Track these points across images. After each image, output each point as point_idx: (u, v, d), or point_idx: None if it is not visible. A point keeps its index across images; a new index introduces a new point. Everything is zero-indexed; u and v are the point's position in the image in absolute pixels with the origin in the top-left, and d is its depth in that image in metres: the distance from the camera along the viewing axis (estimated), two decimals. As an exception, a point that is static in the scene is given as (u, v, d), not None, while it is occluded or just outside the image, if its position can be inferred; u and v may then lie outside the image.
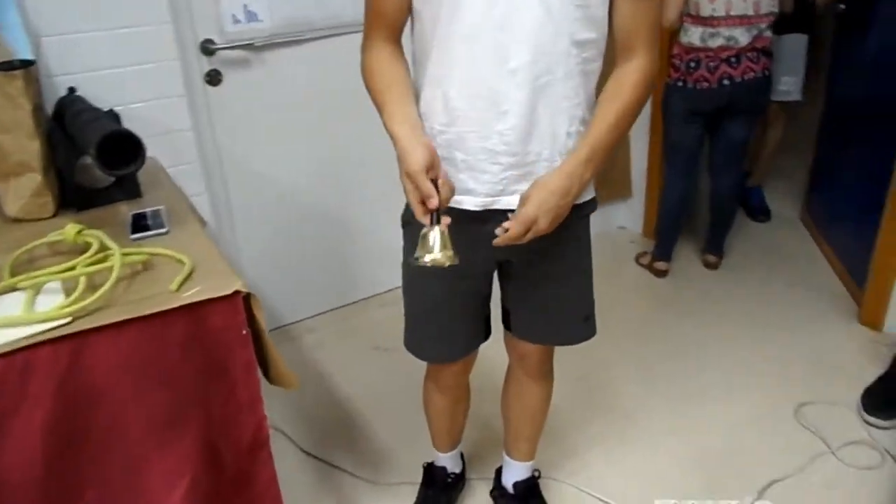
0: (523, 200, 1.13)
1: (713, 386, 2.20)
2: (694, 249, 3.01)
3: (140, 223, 1.35)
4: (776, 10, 2.32)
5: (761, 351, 2.36)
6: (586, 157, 1.15)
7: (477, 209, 1.22)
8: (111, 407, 1.07)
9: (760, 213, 3.29)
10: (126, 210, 1.43)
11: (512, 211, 1.16)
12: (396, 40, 1.24)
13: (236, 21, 2.11)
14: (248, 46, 2.15)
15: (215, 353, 1.14)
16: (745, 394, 2.15)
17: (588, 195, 1.27)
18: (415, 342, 1.46)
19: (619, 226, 3.25)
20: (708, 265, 2.89)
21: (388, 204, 2.67)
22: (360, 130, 2.48)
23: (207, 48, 2.08)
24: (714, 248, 2.88)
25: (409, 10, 1.20)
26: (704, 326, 2.51)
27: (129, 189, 1.51)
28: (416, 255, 1.10)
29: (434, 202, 1.07)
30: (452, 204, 1.21)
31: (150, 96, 1.96)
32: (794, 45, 2.85)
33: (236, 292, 1.12)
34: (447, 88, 1.16)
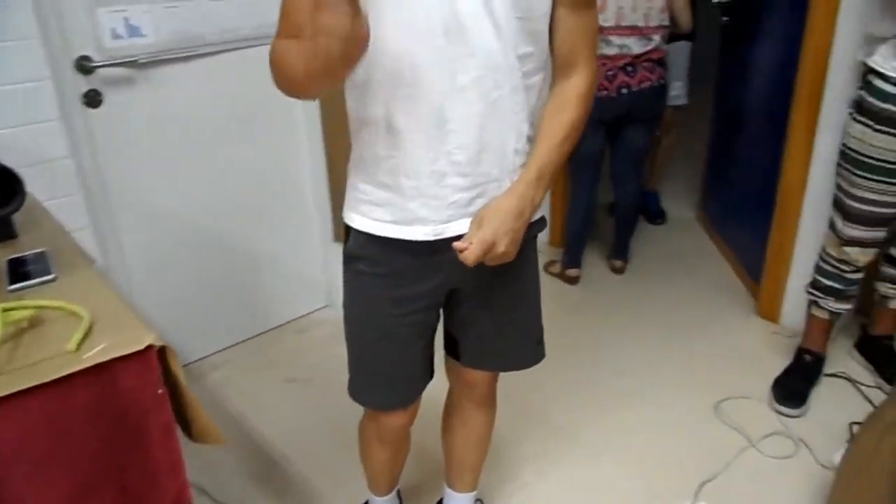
0: (478, 223, 1.07)
1: (634, 390, 2.23)
2: (600, 256, 3.07)
3: (19, 270, 1.17)
4: (667, 23, 2.40)
5: (672, 351, 2.42)
6: (536, 177, 1.10)
7: (429, 238, 1.14)
8: (6, 492, 0.90)
9: (657, 216, 3.42)
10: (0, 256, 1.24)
11: (460, 238, 1.09)
12: None
13: (116, 36, 1.92)
14: (131, 64, 1.96)
15: (128, 418, 0.99)
16: (665, 395, 2.20)
17: (538, 214, 1.22)
18: (361, 387, 1.34)
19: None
20: (615, 270, 2.96)
21: (293, 225, 2.59)
22: (259, 151, 2.36)
23: (84, 66, 1.88)
24: (620, 253, 2.95)
25: None
26: (618, 331, 2.55)
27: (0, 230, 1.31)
28: None
29: None
30: (402, 235, 1.14)
31: (18, 121, 1.75)
32: (679, 52, 2.98)
33: (148, 347, 0.98)
34: (390, 110, 1.07)
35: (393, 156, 1.11)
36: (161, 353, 1.01)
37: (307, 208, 2.55)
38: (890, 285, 2.15)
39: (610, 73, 2.41)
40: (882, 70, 1.79)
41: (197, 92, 2.14)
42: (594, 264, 3.01)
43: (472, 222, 1.09)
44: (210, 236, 2.32)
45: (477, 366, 1.40)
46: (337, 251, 2.53)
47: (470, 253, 1.05)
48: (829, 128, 2.19)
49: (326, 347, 2.47)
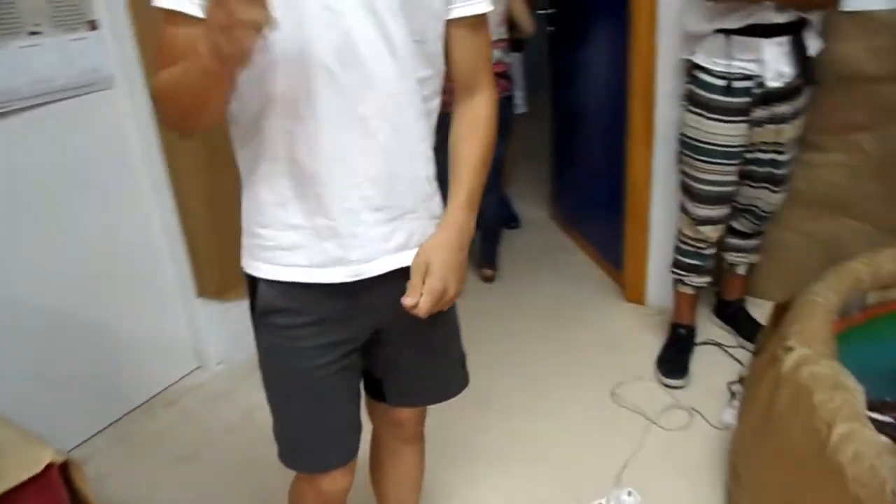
0: (421, 269, 1.02)
1: (530, 395, 2.26)
2: (469, 267, 3.10)
3: None
4: (505, 36, 2.49)
5: (558, 349, 2.50)
6: (468, 204, 1.08)
7: (348, 280, 1.06)
8: None
9: (511, 220, 3.53)
10: None
11: (386, 276, 1.06)
12: None
13: None
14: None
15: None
16: (561, 393, 2.26)
17: None
18: (295, 451, 1.21)
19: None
20: (486, 279, 3.01)
21: (149, 286, 2.34)
22: (97, 210, 2.11)
23: None
24: (488, 261, 3.01)
25: None
26: (501, 339, 2.59)
27: None
28: None
29: None
30: (321, 279, 1.06)
31: None
32: (514, 64, 3.10)
33: (48, 466, 0.82)
34: (290, 146, 0.99)
35: (299, 195, 1.03)
36: (64, 470, 0.86)
37: (163, 265, 2.33)
38: (735, 254, 2.38)
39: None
40: (705, 65, 1.97)
41: (18, 151, 1.87)
42: (467, 276, 3.04)
43: (414, 268, 1.04)
44: (54, 314, 2.03)
45: (407, 403, 1.33)
46: (202, 306, 2.37)
47: (423, 306, 1.01)
48: (664, 121, 2.39)
49: (205, 414, 2.26)
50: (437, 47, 1.06)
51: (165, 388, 2.38)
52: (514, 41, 2.80)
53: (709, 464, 1.89)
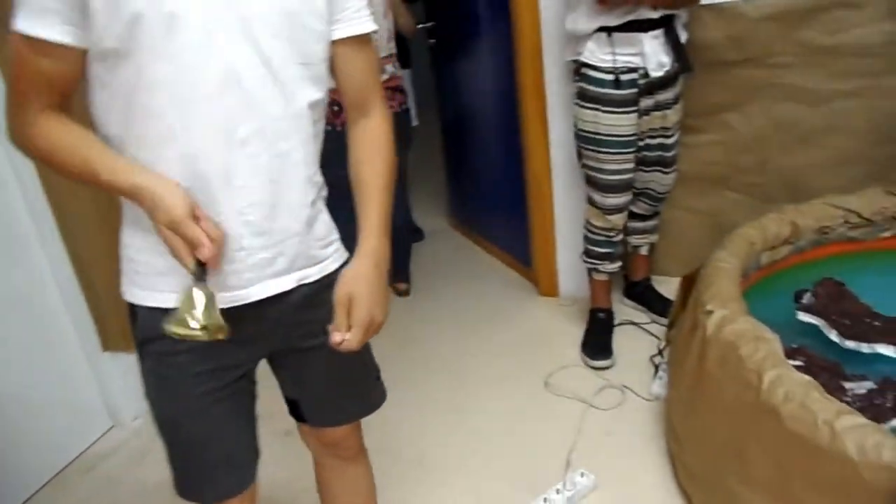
0: (345, 303, 1.02)
1: (467, 399, 2.28)
2: (381, 283, 3.09)
3: None
4: (395, 51, 2.52)
5: (484, 351, 2.54)
6: (380, 229, 1.10)
7: (226, 306, 1.02)
8: None
9: (415, 233, 3.56)
10: None
11: (273, 300, 1.06)
12: (63, 109, 0.97)
13: None
14: None
15: None
16: (496, 391, 2.30)
17: (338, 264, 1.18)
18: (191, 481, 1.17)
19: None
20: (400, 293, 3.01)
21: (47, 346, 2.14)
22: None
23: None
24: (401, 275, 3.01)
25: (80, 75, 0.95)
26: (426, 350, 2.60)
27: None
28: (172, 322, 0.91)
29: (206, 251, 0.91)
30: None
31: None
32: (403, 79, 3.15)
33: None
34: (168, 173, 0.95)
35: None
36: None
37: (60, 321, 2.14)
38: (637, 236, 2.53)
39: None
40: (593, 62, 2.10)
41: None
42: (379, 294, 3.03)
43: (337, 304, 1.03)
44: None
45: (328, 423, 1.30)
46: (110, 360, 2.20)
47: (353, 340, 1.02)
48: (557, 119, 2.51)
49: (127, 476, 2.11)
50: (324, 70, 1.07)
51: (79, 455, 2.19)
52: (402, 58, 2.84)
53: (648, 434, 1.99)
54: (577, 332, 2.51)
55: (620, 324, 2.51)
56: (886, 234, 2.18)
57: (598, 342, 2.39)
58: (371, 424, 2.19)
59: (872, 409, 1.53)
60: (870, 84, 2.30)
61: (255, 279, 1.05)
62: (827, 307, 1.92)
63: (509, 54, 2.56)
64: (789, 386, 1.42)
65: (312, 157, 1.09)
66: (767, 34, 2.29)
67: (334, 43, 1.07)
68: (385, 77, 2.49)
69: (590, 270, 2.43)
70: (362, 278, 1.05)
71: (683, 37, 2.14)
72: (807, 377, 1.44)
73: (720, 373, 1.61)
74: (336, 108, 2.45)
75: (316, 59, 1.04)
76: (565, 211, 2.65)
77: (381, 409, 2.27)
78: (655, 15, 2.01)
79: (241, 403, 1.18)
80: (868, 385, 1.62)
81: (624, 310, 2.62)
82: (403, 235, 2.96)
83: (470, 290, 2.99)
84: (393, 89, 2.54)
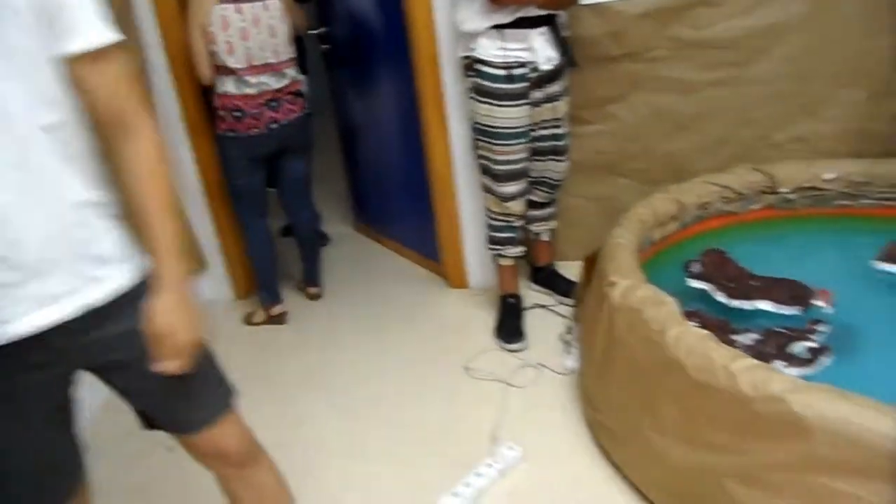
0: (156, 335, 1.08)
1: (392, 393, 2.33)
2: (292, 290, 3.08)
3: None
4: (294, 55, 2.53)
5: (403, 346, 2.59)
6: (171, 253, 1.10)
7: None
8: None
9: (321, 237, 3.56)
10: None
11: (61, 327, 1.06)
12: None
13: None
14: None
15: None
16: (420, 380, 2.36)
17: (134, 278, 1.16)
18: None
19: (208, 300, 3.08)
20: (312, 297, 3.01)
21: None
22: None
23: None
24: (313, 279, 3.01)
25: None
26: (346, 351, 2.62)
27: None
28: None
29: None
30: None
31: None
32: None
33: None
34: None
35: None
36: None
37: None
38: (538, 224, 2.68)
39: (255, 111, 2.45)
40: (486, 58, 2.21)
41: None
42: (289, 301, 3.00)
43: (149, 337, 1.08)
44: None
45: (189, 427, 1.26)
46: None
47: (173, 368, 1.08)
48: (456, 116, 2.61)
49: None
50: (55, 90, 1.00)
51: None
52: (300, 64, 2.85)
53: (566, 404, 2.12)
54: (490, 319, 2.61)
55: (529, 307, 2.64)
56: (756, 207, 2.44)
57: (510, 326, 2.50)
58: (299, 421, 2.21)
59: (758, 356, 1.71)
60: (734, 74, 2.56)
61: (19, 313, 1.02)
62: (713, 273, 2.12)
63: (405, 55, 2.64)
64: (690, 340, 1.57)
65: (78, 177, 1.04)
66: (643, 30, 2.50)
67: (67, 61, 0.99)
68: (286, 82, 2.50)
69: (495, 257, 2.54)
70: (168, 310, 1.08)
71: (566, 34, 2.30)
72: (704, 331, 1.60)
73: (629, 336, 1.76)
74: (238, 113, 2.44)
75: (43, 80, 0.98)
76: (469, 205, 2.76)
77: (309, 408, 2.30)
78: (542, 12, 2.15)
79: (61, 416, 1.19)
80: (753, 336, 1.82)
81: (532, 294, 2.75)
82: (312, 239, 2.96)
83: (381, 290, 3.04)
84: (294, 94, 2.55)
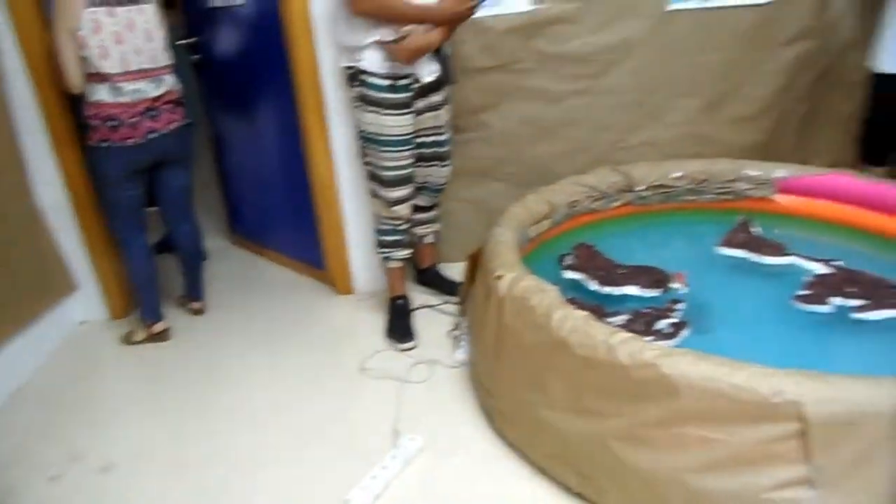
0: None
1: (291, 396, 2.35)
2: (173, 306, 2.98)
3: None
4: (173, 61, 2.48)
5: (294, 352, 2.61)
6: None
7: None
8: None
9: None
10: None
11: None
12: None
13: None
14: None
15: None
16: (316, 385, 2.39)
17: None
18: None
19: (81, 322, 2.92)
20: (196, 312, 2.94)
21: None
22: None
23: None
24: (196, 294, 2.93)
25: None
26: (235, 361, 2.59)
27: None
28: None
29: None
30: None
31: None
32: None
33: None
34: None
35: None
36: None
37: None
38: (423, 227, 2.80)
39: (133, 119, 2.37)
40: (371, 70, 2.30)
41: None
42: (173, 317, 2.91)
43: None
44: None
45: None
46: None
47: None
48: (337, 124, 2.68)
49: None
50: None
51: None
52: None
53: (461, 394, 2.24)
54: (379, 321, 2.69)
55: (417, 308, 2.75)
56: (617, 204, 2.71)
57: (401, 326, 2.60)
58: (200, 438, 2.19)
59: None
60: (590, 85, 2.82)
61: None
62: (584, 265, 2.34)
63: (282, 64, 2.67)
64: (573, 321, 1.74)
65: None
66: (511, 44, 2.70)
67: None
68: (164, 89, 2.45)
69: (384, 260, 2.63)
70: None
71: (448, 50, 2.44)
72: (584, 312, 1.79)
73: (517, 323, 1.91)
74: (113, 123, 2.35)
75: None
76: (353, 211, 2.83)
77: (208, 425, 2.27)
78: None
79: None
80: (624, 317, 2.03)
81: (418, 295, 2.86)
82: (193, 252, 2.89)
83: (267, 301, 3.03)
84: (174, 102, 2.50)
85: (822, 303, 2.05)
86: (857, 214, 2.48)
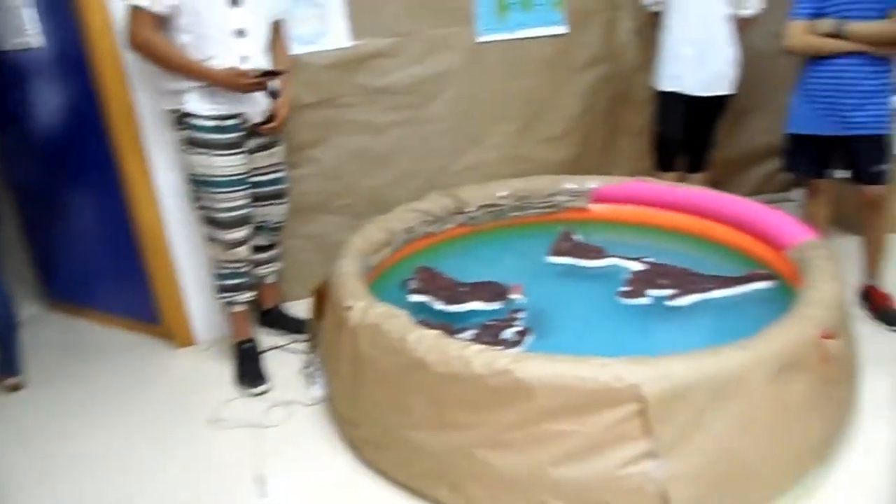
0: None
1: (134, 468, 2.17)
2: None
3: None
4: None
5: (136, 416, 2.42)
6: None
7: None
8: None
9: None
10: None
11: None
12: None
13: None
14: None
15: None
16: (167, 444, 2.23)
17: None
18: None
19: None
20: (14, 389, 2.62)
21: None
22: None
23: None
24: (11, 368, 2.62)
25: None
26: (66, 439, 2.34)
27: None
28: None
29: None
30: None
31: None
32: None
33: None
34: None
35: None
36: None
37: None
38: (263, 267, 2.73)
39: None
40: (196, 112, 2.23)
41: None
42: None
43: None
44: None
45: None
46: None
47: None
48: (162, 167, 2.55)
49: None
50: None
51: None
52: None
53: (322, 430, 2.22)
54: (227, 370, 2.59)
55: (266, 350, 2.68)
56: (451, 226, 2.84)
57: (251, 371, 2.51)
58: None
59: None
60: (413, 115, 2.95)
61: None
62: (428, 287, 2.43)
63: (93, 108, 2.50)
64: (427, 341, 1.81)
65: None
66: (332, 79, 2.75)
67: None
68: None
69: (226, 305, 2.54)
70: None
71: (276, 87, 2.42)
72: (436, 331, 1.86)
73: (373, 350, 1.94)
74: None
75: None
76: (187, 256, 2.71)
77: None
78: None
79: None
80: (472, 332, 2.14)
81: (265, 338, 2.78)
82: (9, 323, 2.59)
83: (96, 366, 2.78)
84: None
85: (642, 296, 2.31)
86: (658, 215, 2.82)
